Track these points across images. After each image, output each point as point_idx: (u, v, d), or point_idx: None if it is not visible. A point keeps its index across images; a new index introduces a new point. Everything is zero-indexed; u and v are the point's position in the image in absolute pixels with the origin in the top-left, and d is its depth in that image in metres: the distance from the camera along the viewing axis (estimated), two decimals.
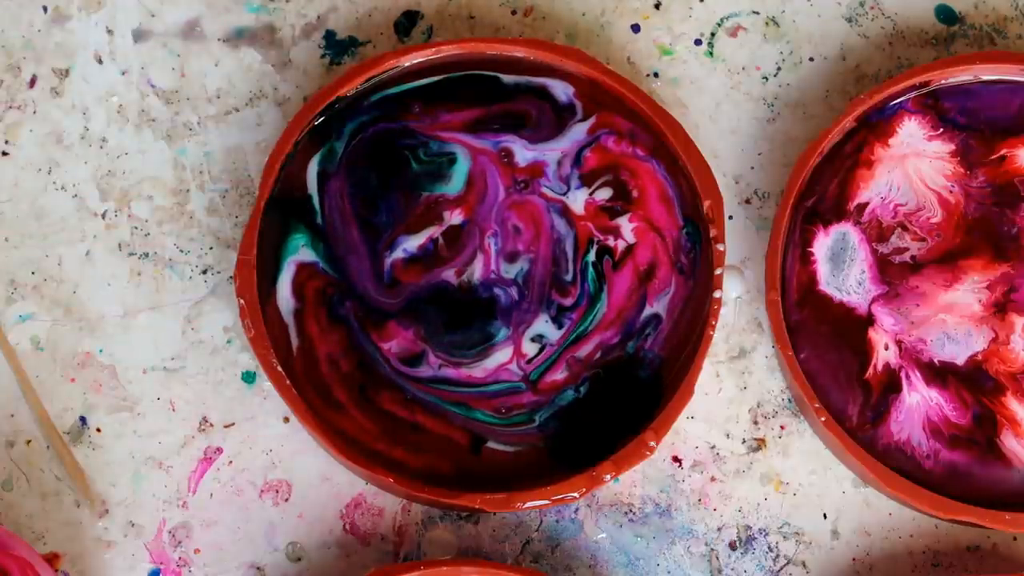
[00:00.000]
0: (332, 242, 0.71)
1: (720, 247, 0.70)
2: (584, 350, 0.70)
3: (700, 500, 0.71)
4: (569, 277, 0.71)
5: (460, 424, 0.70)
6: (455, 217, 0.71)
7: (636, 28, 0.75)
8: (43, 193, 0.73)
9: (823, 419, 0.68)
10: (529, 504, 0.67)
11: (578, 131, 0.72)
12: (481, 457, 0.70)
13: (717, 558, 0.71)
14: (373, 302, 0.70)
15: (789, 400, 0.72)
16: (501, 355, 0.70)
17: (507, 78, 0.72)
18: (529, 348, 0.70)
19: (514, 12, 0.75)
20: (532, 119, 0.72)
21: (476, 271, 0.71)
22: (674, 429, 0.70)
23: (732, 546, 0.71)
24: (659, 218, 0.71)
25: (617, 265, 0.71)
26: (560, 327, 0.70)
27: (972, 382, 0.70)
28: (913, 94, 0.72)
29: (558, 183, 0.71)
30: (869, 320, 0.70)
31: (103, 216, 0.73)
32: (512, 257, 0.71)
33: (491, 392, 0.70)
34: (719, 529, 0.71)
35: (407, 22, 0.75)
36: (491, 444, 0.70)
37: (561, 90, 0.72)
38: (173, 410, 0.72)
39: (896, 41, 0.75)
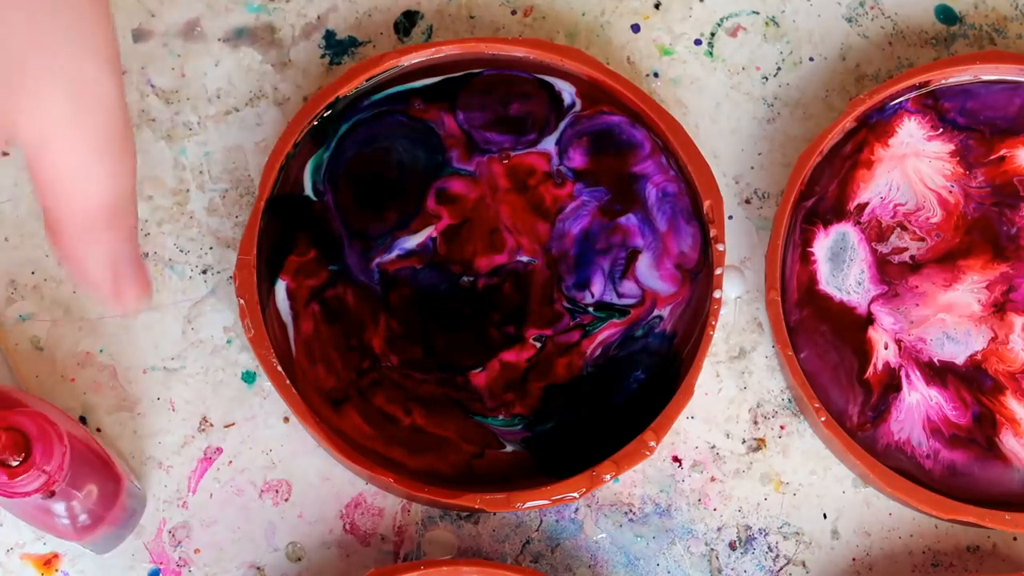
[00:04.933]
0: (332, 241, 0.71)
1: (720, 247, 0.70)
2: (583, 348, 0.70)
3: (700, 500, 0.71)
4: (572, 277, 0.71)
5: (460, 424, 0.70)
6: (456, 217, 0.71)
7: (636, 28, 0.75)
8: None
9: (823, 419, 0.68)
10: (529, 504, 0.67)
11: (576, 125, 0.72)
12: (481, 457, 0.69)
13: (717, 558, 0.71)
14: (373, 301, 0.70)
15: (789, 400, 0.72)
16: (503, 356, 0.70)
17: (507, 77, 0.72)
18: (531, 348, 0.70)
19: (514, 12, 0.75)
20: (534, 118, 0.72)
21: (478, 268, 0.71)
22: (674, 429, 0.70)
23: (732, 546, 0.71)
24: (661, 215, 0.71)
25: (624, 273, 0.71)
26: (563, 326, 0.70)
27: (972, 382, 0.70)
28: (913, 94, 0.72)
29: (556, 179, 0.71)
30: (869, 320, 0.70)
31: None
32: (513, 254, 0.71)
33: (491, 392, 0.70)
34: (719, 529, 0.71)
35: (407, 22, 0.75)
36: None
37: (563, 90, 0.72)
38: (173, 410, 0.72)
39: (896, 41, 0.75)
